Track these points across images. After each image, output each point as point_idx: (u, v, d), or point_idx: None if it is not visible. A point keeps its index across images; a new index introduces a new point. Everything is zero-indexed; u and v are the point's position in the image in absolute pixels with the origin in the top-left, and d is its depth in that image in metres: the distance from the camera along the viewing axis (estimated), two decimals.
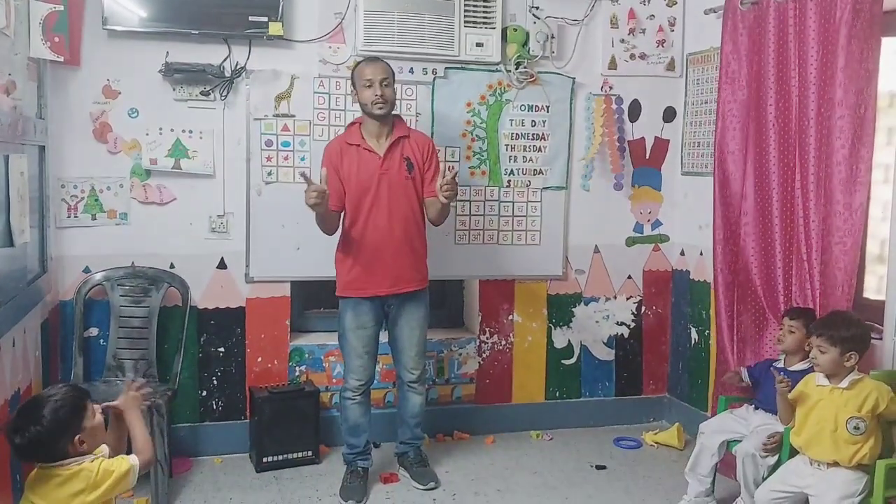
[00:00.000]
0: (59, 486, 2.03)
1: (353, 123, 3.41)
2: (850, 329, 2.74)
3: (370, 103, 3.24)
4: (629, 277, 4.33)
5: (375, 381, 3.94)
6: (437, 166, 3.41)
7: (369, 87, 3.23)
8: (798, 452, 2.87)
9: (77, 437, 2.05)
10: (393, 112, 3.34)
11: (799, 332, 3.13)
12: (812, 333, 2.83)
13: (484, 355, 4.16)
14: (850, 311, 2.96)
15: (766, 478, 2.97)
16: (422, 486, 3.51)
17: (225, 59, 3.63)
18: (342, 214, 3.34)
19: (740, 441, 3.13)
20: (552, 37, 4.00)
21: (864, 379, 2.73)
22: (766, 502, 2.84)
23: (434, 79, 3.88)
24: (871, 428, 2.68)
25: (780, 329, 3.23)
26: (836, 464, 2.71)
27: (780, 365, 3.22)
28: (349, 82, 3.49)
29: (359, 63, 3.38)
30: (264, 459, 3.63)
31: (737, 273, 3.63)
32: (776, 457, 3.00)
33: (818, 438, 2.75)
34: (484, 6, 3.85)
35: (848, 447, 2.68)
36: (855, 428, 2.67)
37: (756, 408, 3.26)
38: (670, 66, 4.24)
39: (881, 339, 3.01)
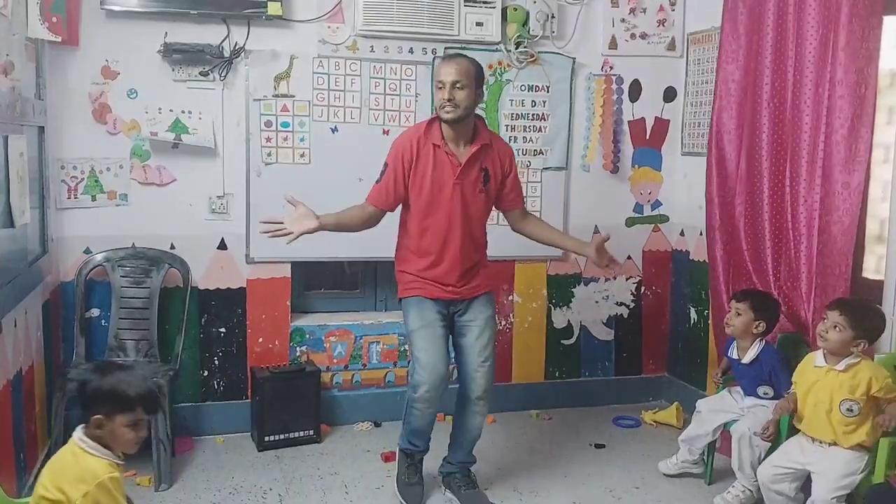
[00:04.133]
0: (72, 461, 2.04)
1: (434, 119, 3.05)
2: (873, 320, 2.75)
3: (438, 107, 2.95)
4: (629, 258, 4.33)
5: (376, 361, 3.96)
6: (515, 175, 3.18)
7: (440, 89, 2.93)
8: (797, 432, 2.89)
9: (103, 416, 2.05)
10: (476, 114, 3.04)
11: (745, 315, 3.16)
12: (832, 309, 2.78)
13: None
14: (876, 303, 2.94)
15: (763, 458, 3.00)
16: None
17: (224, 40, 3.61)
18: (399, 214, 3.11)
19: (737, 420, 3.16)
20: (552, 16, 3.98)
21: (861, 362, 2.74)
22: (768, 478, 2.86)
23: (434, 58, 3.85)
24: (867, 410, 2.69)
25: (728, 311, 3.26)
26: (836, 443, 2.74)
27: (734, 356, 3.26)
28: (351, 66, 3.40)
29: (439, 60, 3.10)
30: (266, 439, 3.66)
31: (731, 253, 3.64)
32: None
33: (816, 418, 2.78)
34: None
35: (843, 428, 2.71)
36: (848, 410, 2.69)
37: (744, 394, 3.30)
38: (671, 46, 4.22)
39: None
